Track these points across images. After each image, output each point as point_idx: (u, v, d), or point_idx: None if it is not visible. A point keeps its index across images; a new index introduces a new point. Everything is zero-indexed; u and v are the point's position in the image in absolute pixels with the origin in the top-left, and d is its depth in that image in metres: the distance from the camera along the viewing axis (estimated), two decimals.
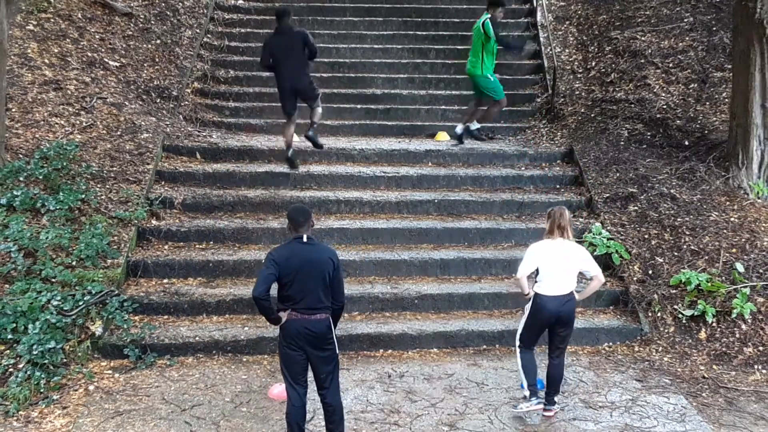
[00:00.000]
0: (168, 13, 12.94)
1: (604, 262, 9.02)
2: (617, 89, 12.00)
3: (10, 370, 6.77)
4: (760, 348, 7.97)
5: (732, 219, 9.27)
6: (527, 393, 6.61)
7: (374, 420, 6.46)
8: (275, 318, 5.61)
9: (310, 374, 5.80)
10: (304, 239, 5.69)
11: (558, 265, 6.44)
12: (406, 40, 13.49)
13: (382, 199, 9.77)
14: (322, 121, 11.78)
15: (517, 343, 6.68)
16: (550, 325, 6.50)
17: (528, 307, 6.58)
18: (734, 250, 8.78)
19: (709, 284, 8.28)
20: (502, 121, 12.14)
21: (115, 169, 9.37)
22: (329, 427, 5.86)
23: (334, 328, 5.77)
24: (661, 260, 8.84)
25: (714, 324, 8.17)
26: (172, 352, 7.48)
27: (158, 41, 12.30)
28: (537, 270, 6.51)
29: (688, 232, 9.07)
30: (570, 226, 6.55)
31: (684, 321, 8.26)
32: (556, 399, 6.73)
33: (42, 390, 6.65)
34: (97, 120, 10.10)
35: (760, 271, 8.53)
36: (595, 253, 8.98)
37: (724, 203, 9.55)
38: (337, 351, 5.80)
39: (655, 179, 9.90)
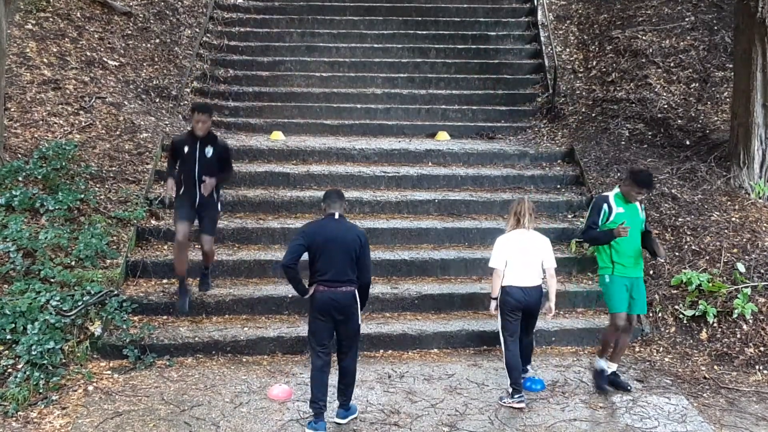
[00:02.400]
0: (167, 12, 12.92)
1: None
2: (618, 89, 11.98)
3: (9, 370, 6.74)
4: (761, 348, 7.95)
5: (733, 219, 9.24)
6: (510, 390, 6.89)
7: (374, 420, 6.44)
8: (302, 289, 6.13)
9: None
10: (336, 216, 6.19)
11: (517, 257, 6.80)
12: (406, 39, 13.48)
13: (382, 199, 9.75)
14: (323, 121, 11.79)
15: (501, 338, 6.93)
16: (520, 311, 6.84)
17: (499, 299, 6.93)
18: (735, 250, 8.76)
19: (710, 284, 8.26)
20: (503, 120, 12.13)
21: (114, 168, 9.34)
22: (340, 387, 6.36)
23: (362, 306, 6.26)
24: (662, 260, 8.81)
25: (715, 324, 8.14)
26: (171, 352, 7.45)
27: (157, 40, 12.28)
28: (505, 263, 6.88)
29: (689, 232, 9.04)
30: (529, 215, 6.85)
31: (685, 321, 8.24)
32: (528, 367, 7.27)
33: (41, 390, 6.62)
34: (96, 120, 10.08)
35: (762, 271, 8.50)
36: (595, 254, 8.97)
37: (726, 203, 9.52)
38: (360, 323, 6.30)
39: (656, 179, 9.86)
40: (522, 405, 6.79)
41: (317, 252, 6.05)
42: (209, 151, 7.49)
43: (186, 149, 7.47)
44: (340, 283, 6.06)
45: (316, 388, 6.19)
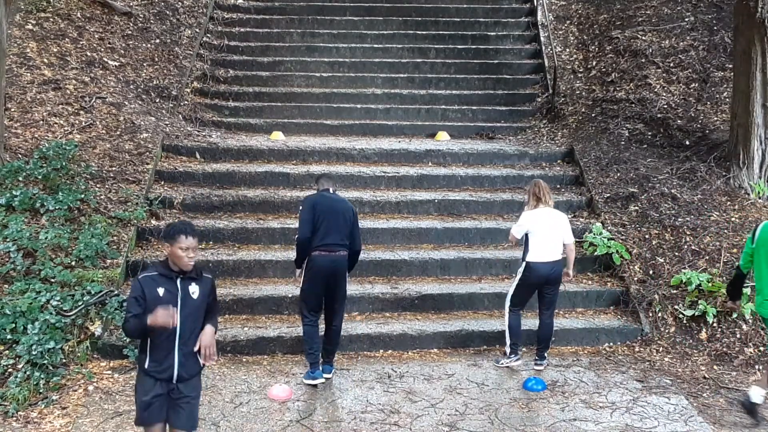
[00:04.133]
0: (167, 12, 12.92)
1: (605, 262, 9.01)
2: (618, 89, 11.98)
3: (10, 370, 6.74)
4: (761, 348, 7.95)
5: (733, 219, 9.25)
6: (508, 350, 7.47)
7: (374, 420, 6.45)
8: (302, 261, 6.90)
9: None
10: (330, 191, 7.03)
11: (543, 233, 7.21)
12: (406, 39, 13.48)
13: (382, 199, 9.75)
14: (323, 121, 11.79)
15: (507, 304, 7.43)
16: (539, 286, 7.31)
17: (520, 271, 7.33)
18: (735, 250, 8.76)
19: (710, 284, 8.26)
20: (503, 120, 12.13)
21: (114, 168, 9.35)
22: (327, 348, 7.09)
23: (351, 268, 7.06)
24: (662, 260, 8.82)
25: (715, 324, 8.15)
26: None
27: (157, 41, 12.28)
28: (527, 237, 7.28)
29: (688, 232, 9.05)
30: (548, 193, 7.35)
31: (685, 321, 8.25)
32: (546, 354, 7.52)
33: (41, 390, 6.63)
34: (96, 120, 10.08)
35: None
36: (595, 253, 8.99)
37: (725, 203, 9.53)
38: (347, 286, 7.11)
39: (655, 179, 9.88)
40: (518, 363, 7.44)
41: (319, 220, 6.75)
42: (195, 291, 4.74)
43: (161, 292, 4.68)
44: (338, 247, 6.81)
45: (312, 341, 6.89)
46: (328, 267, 6.80)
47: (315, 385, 6.97)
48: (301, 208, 6.94)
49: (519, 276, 7.35)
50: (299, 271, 7.06)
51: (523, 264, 7.30)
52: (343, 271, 6.93)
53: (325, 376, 7.06)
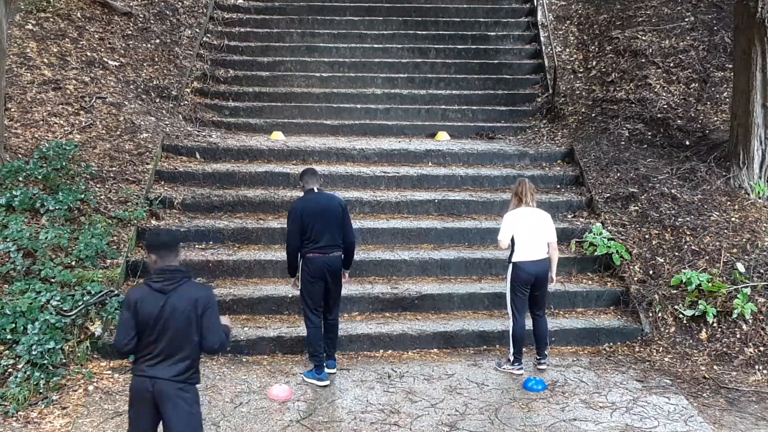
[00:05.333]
0: (167, 12, 12.93)
1: (605, 263, 9.01)
2: (618, 89, 11.99)
3: (10, 370, 6.74)
4: (761, 348, 7.96)
5: (733, 219, 9.25)
6: (512, 358, 7.42)
7: (374, 420, 6.45)
8: (295, 270, 7.03)
9: None
10: (315, 190, 7.02)
11: (526, 233, 7.21)
12: (406, 39, 13.48)
13: (382, 199, 9.75)
14: (323, 121, 11.79)
15: (510, 311, 7.35)
16: (531, 284, 7.26)
17: (509, 273, 7.33)
18: (735, 250, 8.76)
19: (710, 284, 8.26)
20: (503, 120, 12.13)
21: (114, 168, 9.35)
22: (328, 341, 7.17)
23: (348, 264, 7.18)
24: (662, 260, 8.83)
25: (715, 324, 8.15)
26: None
27: (158, 41, 12.28)
28: (513, 238, 7.27)
29: (688, 232, 9.05)
30: (531, 194, 7.32)
31: (685, 321, 8.25)
32: (546, 353, 7.55)
33: (41, 390, 6.63)
34: (96, 120, 10.09)
35: (761, 271, 8.51)
36: (595, 253, 8.99)
37: (725, 203, 9.53)
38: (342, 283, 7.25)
39: (655, 179, 9.88)
40: (521, 372, 7.34)
41: (308, 224, 6.82)
42: None
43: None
44: (331, 248, 6.92)
45: (316, 344, 7.00)
46: (323, 268, 6.91)
47: (320, 386, 7.02)
48: (288, 216, 6.99)
49: (509, 278, 7.34)
50: (294, 280, 7.17)
51: (510, 265, 7.30)
52: (338, 270, 7.05)
53: (328, 371, 7.15)
